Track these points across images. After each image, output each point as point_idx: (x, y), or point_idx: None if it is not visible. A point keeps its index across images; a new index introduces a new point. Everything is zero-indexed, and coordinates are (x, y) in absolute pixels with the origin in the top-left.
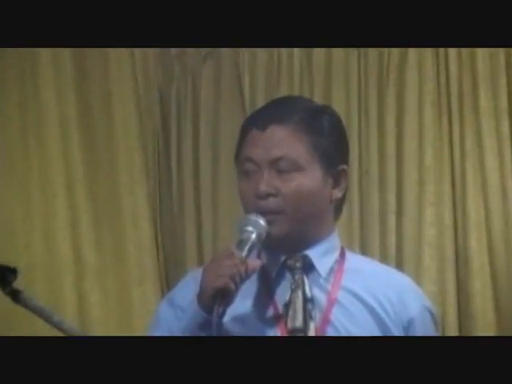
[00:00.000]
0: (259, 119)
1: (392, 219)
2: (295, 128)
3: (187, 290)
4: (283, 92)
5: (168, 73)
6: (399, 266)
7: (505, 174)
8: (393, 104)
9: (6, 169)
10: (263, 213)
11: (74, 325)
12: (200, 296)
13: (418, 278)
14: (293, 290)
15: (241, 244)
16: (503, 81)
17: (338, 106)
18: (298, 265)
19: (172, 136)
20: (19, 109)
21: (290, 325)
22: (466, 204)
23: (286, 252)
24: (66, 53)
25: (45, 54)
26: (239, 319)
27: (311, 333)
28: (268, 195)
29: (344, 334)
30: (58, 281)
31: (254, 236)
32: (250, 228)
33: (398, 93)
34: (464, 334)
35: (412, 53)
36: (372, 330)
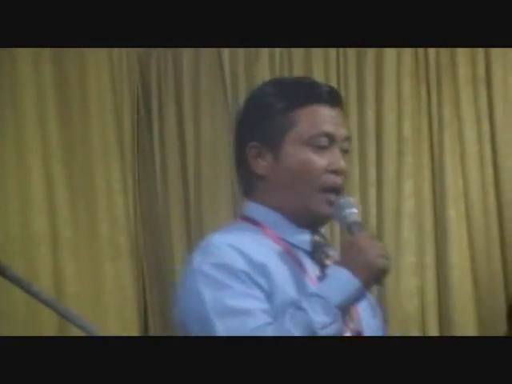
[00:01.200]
0: (329, 97)
1: (372, 192)
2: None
3: (237, 259)
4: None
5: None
6: (379, 238)
7: (483, 144)
8: (372, 77)
9: None
10: (333, 189)
11: (50, 296)
12: (361, 272)
13: (397, 250)
14: (322, 264)
15: (359, 224)
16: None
17: (317, 79)
18: (323, 241)
19: (153, 108)
20: None
21: None
22: (445, 175)
23: (313, 229)
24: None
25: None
26: (288, 298)
27: None
28: (342, 172)
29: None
30: (34, 254)
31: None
32: (355, 209)
33: (377, 65)
34: (443, 304)
35: None
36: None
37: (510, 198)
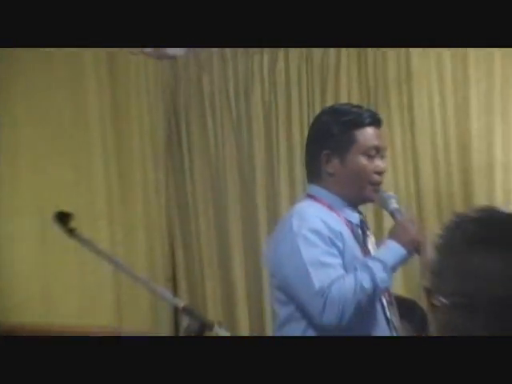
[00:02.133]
0: (375, 120)
1: None
2: None
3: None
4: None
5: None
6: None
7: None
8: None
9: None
10: (378, 183)
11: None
12: (406, 244)
13: None
14: (365, 234)
15: (400, 210)
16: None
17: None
18: (363, 217)
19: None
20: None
21: None
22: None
23: (357, 209)
24: (103, 55)
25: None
26: (355, 258)
27: None
28: (383, 172)
29: None
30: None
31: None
32: (395, 200)
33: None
34: None
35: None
36: None
37: (428, 189)
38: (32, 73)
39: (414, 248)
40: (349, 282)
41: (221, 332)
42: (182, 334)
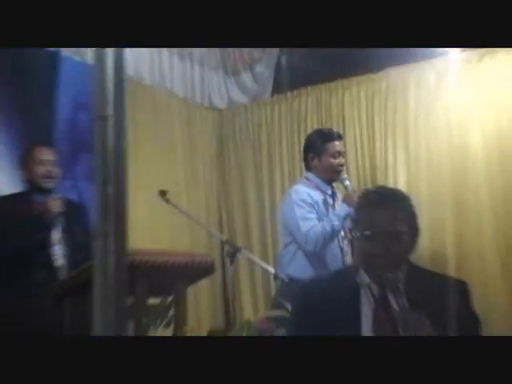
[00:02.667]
0: (336, 136)
1: None
2: None
3: (308, 196)
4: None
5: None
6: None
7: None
8: None
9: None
10: (340, 171)
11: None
12: (350, 205)
13: None
14: (336, 203)
15: (349, 186)
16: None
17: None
18: (335, 191)
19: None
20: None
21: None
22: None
23: (331, 185)
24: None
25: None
26: (324, 215)
27: None
28: (343, 165)
29: None
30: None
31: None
32: (347, 179)
33: None
34: None
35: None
36: None
37: None
38: (155, 112)
39: (352, 205)
40: (319, 227)
41: (245, 253)
42: (225, 255)
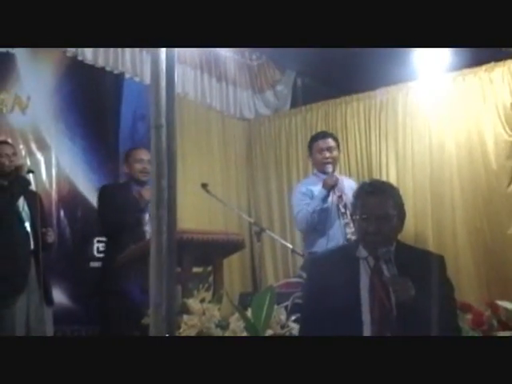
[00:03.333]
0: (321, 136)
1: None
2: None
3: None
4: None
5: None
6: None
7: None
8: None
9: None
10: (329, 164)
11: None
12: (328, 188)
13: None
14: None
15: (331, 173)
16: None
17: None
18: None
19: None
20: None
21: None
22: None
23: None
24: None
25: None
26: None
27: None
28: (328, 159)
29: None
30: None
31: None
32: (330, 168)
33: None
34: None
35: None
36: None
37: None
38: (197, 122)
39: (331, 188)
40: (304, 211)
41: (269, 232)
42: (253, 234)
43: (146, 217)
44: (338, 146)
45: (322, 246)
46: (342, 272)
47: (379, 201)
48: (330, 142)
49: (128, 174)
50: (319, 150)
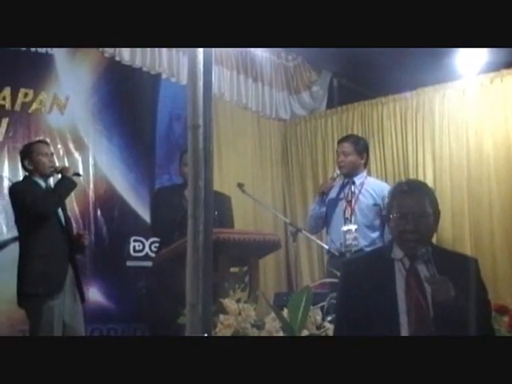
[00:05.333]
0: (341, 140)
1: None
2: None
3: None
4: None
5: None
6: None
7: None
8: None
9: None
10: (340, 167)
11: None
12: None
13: None
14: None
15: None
16: None
17: None
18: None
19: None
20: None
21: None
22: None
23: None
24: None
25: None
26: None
27: None
28: (342, 162)
29: None
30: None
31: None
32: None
33: None
34: None
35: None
36: None
37: None
38: (233, 123)
39: (322, 194)
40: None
41: (305, 232)
42: (289, 234)
43: None
44: (359, 150)
45: (331, 248)
46: (377, 274)
47: (416, 199)
48: (346, 146)
49: (183, 175)
50: (337, 153)
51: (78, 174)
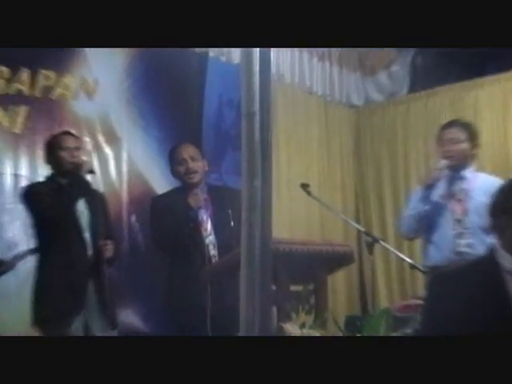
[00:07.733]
0: (445, 126)
1: None
2: None
3: None
4: None
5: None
6: None
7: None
8: None
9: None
10: (448, 158)
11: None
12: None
13: None
14: None
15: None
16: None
17: None
18: None
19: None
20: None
21: None
22: None
23: None
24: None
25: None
26: None
27: None
28: (450, 152)
29: None
30: None
31: None
32: None
33: None
34: None
35: None
36: None
37: None
38: (294, 110)
39: (428, 187)
40: (404, 213)
41: (384, 244)
42: (364, 245)
43: (205, 225)
44: (471, 137)
45: (432, 258)
46: (481, 290)
47: None
48: (455, 132)
49: (177, 175)
50: (440, 141)
51: (92, 172)
